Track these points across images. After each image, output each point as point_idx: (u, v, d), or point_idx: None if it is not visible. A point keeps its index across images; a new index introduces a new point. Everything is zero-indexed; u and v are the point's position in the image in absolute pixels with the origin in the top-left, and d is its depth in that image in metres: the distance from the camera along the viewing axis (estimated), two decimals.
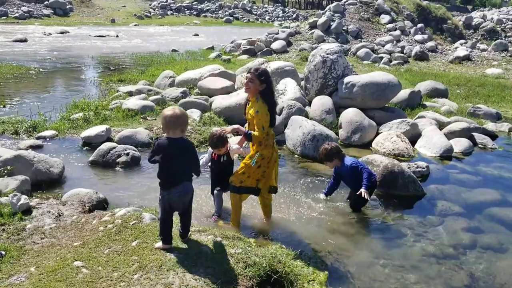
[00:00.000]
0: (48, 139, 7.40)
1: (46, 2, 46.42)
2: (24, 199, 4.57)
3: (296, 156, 7.21)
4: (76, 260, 3.46)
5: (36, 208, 4.62)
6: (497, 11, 29.45)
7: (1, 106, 9.73)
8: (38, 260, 3.60)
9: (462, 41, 23.03)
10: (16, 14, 41.31)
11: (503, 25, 24.66)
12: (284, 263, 3.69)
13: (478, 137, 8.32)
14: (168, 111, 3.52)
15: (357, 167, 5.15)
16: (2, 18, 39.90)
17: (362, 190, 4.97)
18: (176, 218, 3.73)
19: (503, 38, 23.16)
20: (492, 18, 25.63)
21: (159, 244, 3.61)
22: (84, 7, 52.13)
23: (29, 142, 7.01)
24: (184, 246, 3.63)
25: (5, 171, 5.31)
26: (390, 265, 4.18)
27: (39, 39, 26.25)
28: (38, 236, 4.09)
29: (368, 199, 5.09)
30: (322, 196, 5.54)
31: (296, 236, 4.62)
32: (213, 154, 4.84)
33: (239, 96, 8.60)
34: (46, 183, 5.56)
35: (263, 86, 4.20)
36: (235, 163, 5.03)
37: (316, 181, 6.15)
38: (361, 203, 5.22)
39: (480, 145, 8.14)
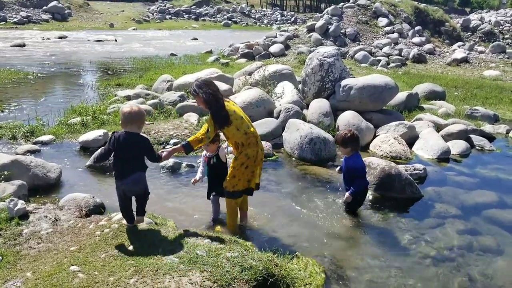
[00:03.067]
0: (45, 144, 7.39)
1: (44, 7, 46.47)
2: (21, 204, 4.56)
3: (294, 159, 7.21)
4: (73, 265, 3.46)
5: (33, 213, 4.61)
6: (494, 13, 29.54)
7: None
8: (34, 265, 3.60)
9: (460, 43, 23.10)
10: (15, 19, 41.34)
11: (500, 27, 24.75)
12: (280, 266, 3.69)
13: (476, 139, 8.32)
14: (126, 107, 3.91)
15: (355, 170, 5.13)
16: (1, 23, 39.93)
17: (347, 194, 5.09)
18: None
19: (501, 40, 23.24)
20: (489, 20, 25.72)
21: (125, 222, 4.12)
22: (82, 12, 52.21)
23: (27, 147, 7.01)
24: (181, 250, 3.63)
25: (2, 176, 5.31)
26: (387, 268, 4.18)
27: (38, 44, 26.28)
28: (35, 241, 4.08)
29: (348, 202, 5.15)
30: (337, 169, 5.63)
31: (293, 239, 4.62)
32: (205, 158, 4.82)
33: (237, 99, 8.61)
34: (43, 187, 5.55)
35: (201, 99, 4.25)
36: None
37: (313, 184, 6.15)
38: (354, 205, 5.22)
39: (477, 147, 8.15)
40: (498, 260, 4.45)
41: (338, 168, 5.61)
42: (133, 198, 4.11)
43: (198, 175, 4.89)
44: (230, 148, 5.06)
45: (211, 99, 4.22)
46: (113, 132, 3.93)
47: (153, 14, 59.21)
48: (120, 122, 4.02)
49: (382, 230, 4.98)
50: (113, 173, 3.98)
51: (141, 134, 3.99)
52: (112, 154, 3.93)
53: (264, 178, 6.20)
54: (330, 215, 5.23)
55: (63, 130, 8.09)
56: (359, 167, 5.15)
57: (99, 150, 3.99)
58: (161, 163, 6.32)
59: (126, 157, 3.86)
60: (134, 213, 4.16)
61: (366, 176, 5.29)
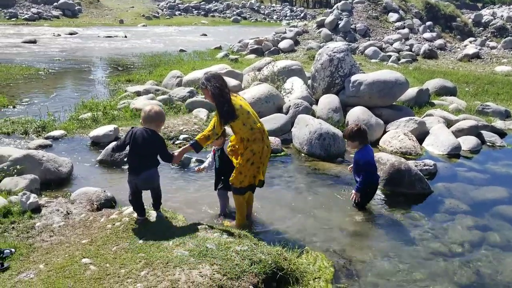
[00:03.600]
0: (57, 139, 7.47)
1: (55, 4, 46.77)
2: (33, 197, 4.63)
3: (303, 154, 7.22)
4: (84, 257, 3.51)
5: (45, 206, 4.68)
6: (507, 8, 29.17)
7: (11, 106, 9.84)
8: (47, 257, 3.65)
9: (472, 38, 22.87)
10: (26, 16, 41.67)
11: None
12: (289, 260, 3.71)
13: (487, 135, 8.26)
14: (148, 106, 4.22)
15: (362, 164, 5.12)
16: (12, 19, 40.27)
17: (353, 191, 5.12)
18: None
19: None
20: (502, 16, 25.41)
21: (136, 215, 4.26)
22: (92, 8, 52.47)
23: (38, 142, 7.09)
24: (191, 243, 3.66)
25: (15, 170, 5.38)
26: (397, 263, 4.18)
27: (49, 40, 26.48)
28: (47, 234, 4.14)
29: (357, 201, 5.14)
30: (349, 168, 5.58)
31: (302, 234, 4.64)
32: (213, 150, 4.89)
33: (246, 95, 8.62)
34: (55, 182, 5.62)
35: (209, 91, 4.30)
36: None
37: (322, 180, 6.15)
38: (363, 201, 5.22)
39: (488, 143, 8.09)
40: (508, 255, 4.42)
41: (350, 166, 5.57)
42: (145, 192, 4.20)
43: (204, 164, 5.02)
44: (209, 160, 5.08)
45: (217, 93, 4.25)
46: (132, 127, 4.12)
47: (162, 10, 59.27)
48: (140, 119, 4.26)
49: (391, 226, 4.97)
50: (127, 167, 4.09)
51: (157, 132, 4.12)
52: (128, 149, 4.10)
53: (273, 173, 6.23)
54: (339, 210, 5.23)
55: (74, 125, 8.17)
56: (366, 160, 5.13)
57: (115, 142, 4.20)
58: None
59: (141, 153, 4.02)
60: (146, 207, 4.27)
61: (376, 171, 5.27)
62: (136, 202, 4.19)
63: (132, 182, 4.12)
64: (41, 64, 16.50)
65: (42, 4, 46.00)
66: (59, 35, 29.46)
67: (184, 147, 4.51)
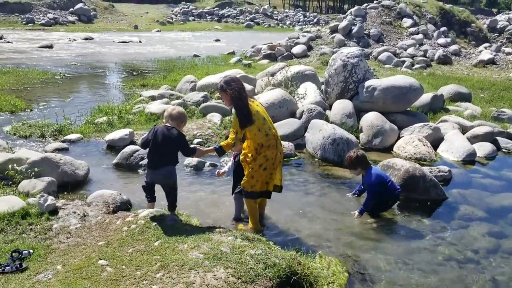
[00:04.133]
0: (73, 142, 7.57)
1: (71, 9, 47.55)
2: (50, 200, 4.70)
3: (316, 159, 7.22)
4: (101, 259, 3.56)
5: (62, 208, 4.75)
6: None
7: (28, 110, 10.01)
8: (64, 259, 3.71)
9: (487, 44, 22.66)
10: (42, 21, 42.42)
11: None
12: (303, 264, 3.71)
13: (502, 141, 8.18)
14: (171, 107, 4.55)
15: (377, 184, 5.13)
16: (29, 25, 40.98)
17: (356, 213, 5.15)
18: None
19: None
20: None
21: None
22: (107, 14, 53.15)
23: (55, 145, 7.20)
24: (206, 246, 3.69)
25: (33, 173, 5.47)
26: (411, 269, 4.16)
27: (64, 45, 26.88)
28: (64, 236, 4.20)
29: (360, 216, 5.15)
30: (349, 194, 5.65)
31: (315, 238, 4.64)
32: (233, 155, 4.93)
33: (260, 100, 8.65)
34: (72, 184, 5.70)
35: (228, 95, 4.32)
36: None
37: (336, 185, 6.15)
38: (377, 210, 5.22)
39: (504, 150, 8.01)
40: None
41: (352, 193, 5.70)
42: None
43: (224, 169, 5.07)
44: (229, 164, 5.10)
45: (236, 96, 4.28)
46: (155, 125, 4.41)
47: (176, 16, 59.85)
48: (163, 119, 4.50)
49: (406, 231, 4.95)
50: (142, 169, 4.29)
51: (178, 130, 4.33)
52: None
53: (287, 178, 6.24)
54: (353, 215, 5.22)
55: (90, 129, 8.28)
56: (379, 181, 5.15)
57: (142, 138, 4.51)
58: (185, 162, 6.47)
59: (161, 149, 4.24)
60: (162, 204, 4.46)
61: (386, 187, 5.22)
62: (148, 189, 4.53)
63: (149, 176, 4.44)
64: (57, 69, 16.75)
65: (58, 10, 46.81)
66: (74, 40, 29.91)
67: (208, 148, 4.68)
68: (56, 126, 8.21)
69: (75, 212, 4.66)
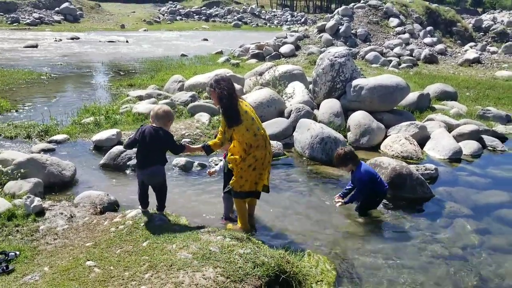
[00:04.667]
0: (60, 143, 7.50)
1: (57, 9, 47.03)
2: (37, 201, 4.66)
3: (304, 158, 7.25)
4: (88, 260, 3.54)
5: (49, 209, 4.71)
6: (507, 13, 29.32)
7: (14, 110, 9.89)
8: (51, 260, 3.68)
9: (472, 43, 22.95)
10: (28, 21, 41.89)
11: None
12: (292, 263, 3.73)
13: (488, 139, 8.29)
14: (157, 106, 4.52)
15: (368, 181, 5.13)
16: (14, 24, 40.46)
17: (340, 200, 5.19)
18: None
19: None
20: (502, 21, 25.53)
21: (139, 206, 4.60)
22: (94, 13, 52.70)
23: (42, 146, 7.12)
24: (194, 246, 3.69)
25: (19, 174, 5.41)
26: (399, 266, 4.20)
27: (50, 45, 26.59)
28: (51, 237, 4.17)
29: (342, 204, 5.17)
30: (337, 199, 5.37)
31: (304, 237, 4.66)
32: (224, 154, 4.93)
33: (248, 99, 8.65)
34: (59, 185, 5.65)
35: (216, 94, 4.33)
36: None
37: (324, 184, 6.18)
38: (365, 208, 5.25)
39: (489, 148, 8.11)
40: (510, 259, 4.44)
41: (337, 196, 5.44)
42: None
43: (216, 168, 5.09)
44: (221, 164, 5.10)
45: (225, 95, 4.27)
46: (142, 125, 4.40)
47: (163, 15, 59.56)
48: (150, 118, 4.51)
49: (393, 229, 4.99)
50: (129, 170, 4.28)
51: (165, 129, 4.35)
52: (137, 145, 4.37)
53: (276, 177, 6.26)
54: (341, 214, 5.26)
55: (76, 129, 8.21)
56: (369, 177, 5.16)
57: (128, 139, 4.50)
58: (174, 162, 6.45)
59: (149, 149, 4.27)
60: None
61: (376, 182, 5.24)
62: (142, 196, 4.52)
63: (139, 176, 4.46)
64: (43, 69, 16.57)
65: (43, 9, 46.28)
66: (60, 40, 29.61)
67: (197, 146, 4.67)
68: (42, 127, 8.12)
69: (62, 213, 4.63)
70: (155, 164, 4.36)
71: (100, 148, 7.23)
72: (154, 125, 4.35)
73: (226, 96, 4.27)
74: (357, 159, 5.27)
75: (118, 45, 28.10)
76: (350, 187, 5.43)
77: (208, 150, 4.52)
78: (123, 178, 6.20)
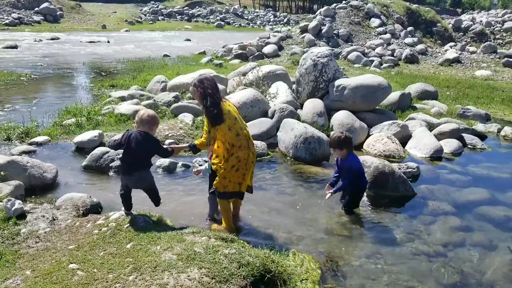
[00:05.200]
0: (41, 144, 7.39)
1: (36, 9, 46.31)
2: (18, 204, 4.58)
3: (289, 158, 7.27)
4: (71, 263, 3.50)
5: (31, 212, 4.64)
6: (486, 14, 29.85)
7: None
8: (33, 264, 3.63)
9: (452, 43, 23.31)
10: (6, 21, 41.13)
11: (491, 27, 25.01)
12: (277, 262, 3.74)
13: (468, 137, 8.43)
14: (142, 111, 4.45)
15: (356, 170, 5.16)
16: None
17: (330, 191, 5.15)
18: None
19: (492, 41, 23.48)
20: (481, 21, 25.99)
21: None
22: (74, 13, 52.05)
23: (22, 148, 7.01)
24: (179, 247, 3.67)
25: None
26: (382, 264, 4.24)
27: (30, 45, 26.17)
28: (33, 240, 4.11)
29: (332, 195, 5.16)
30: (328, 190, 5.33)
31: (289, 236, 4.68)
32: (210, 154, 4.92)
33: (231, 100, 8.62)
34: (40, 188, 5.56)
35: (198, 93, 4.36)
36: None
37: (308, 183, 6.21)
38: (352, 205, 5.29)
39: (469, 146, 8.25)
40: (490, 255, 4.53)
41: (327, 186, 5.43)
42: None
43: (201, 167, 5.06)
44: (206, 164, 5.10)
45: (208, 93, 4.28)
46: (128, 130, 4.34)
47: (145, 15, 59.14)
48: (134, 123, 4.49)
49: (376, 228, 5.04)
50: (113, 172, 4.25)
51: (150, 134, 4.33)
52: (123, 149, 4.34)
53: (260, 177, 6.27)
54: (325, 213, 5.29)
55: (58, 131, 8.10)
56: (358, 167, 5.20)
57: (113, 140, 4.46)
58: (158, 163, 6.42)
59: (135, 155, 4.23)
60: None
61: (361, 175, 5.30)
62: (125, 198, 4.47)
63: (123, 180, 4.42)
64: (23, 70, 16.30)
65: (23, 10, 45.50)
66: (40, 40, 29.16)
67: (183, 145, 4.69)
68: (22, 129, 7.98)
69: (44, 216, 4.56)
70: (140, 169, 4.34)
71: (82, 149, 7.14)
72: (139, 129, 4.32)
73: (209, 94, 4.28)
74: (352, 147, 5.30)
75: (99, 46, 27.80)
76: (336, 175, 5.45)
77: (194, 149, 4.53)
78: (105, 179, 6.14)
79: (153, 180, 4.53)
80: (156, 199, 4.62)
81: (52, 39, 30.65)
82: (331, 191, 5.23)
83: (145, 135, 4.28)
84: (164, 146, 4.58)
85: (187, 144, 4.62)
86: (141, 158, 4.30)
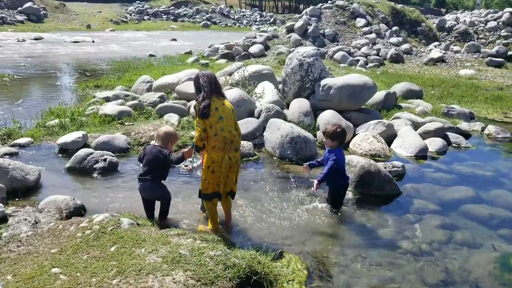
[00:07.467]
0: (23, 146, 7.26)
1: (19, 8, 45.58)
2: None
3: (275, 158, 7.26)
4: (54, 267, 3.43)
5: (12, 216, 4.55)
6: (469, 13, 30.17)
7: None
8: (15, 268, 3.55)
9: (436, 43, 23.53)
10: None
11: (475, 27, 25.29)
12: (263, 264, 3.72)
13: (452, 136, 8.51)
14: (161, 127, 4.91)
15: (341, 163, 5.17)
16: None
17: (315, 182, 4.99)
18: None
19: (476, 40, 23.74)
20: (464, 21, 26.26)
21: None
22: (58, 13, 51.40)
23: (4, 150, 6.87)
24: (164, 250, 3.63)
25: None
26: (368, 263, 4.25)
27: (13, 45, 25.77)
28: (15, 244, 4.02)
29: (318, 189, 5.05)
30: (305, 169, 5.37)
31: (276, 237, 4.66)
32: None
33: None
34: (22, 190, 5.46)
35: (195, 82, 4.58)
36: None
37: (295, 183, 6.20)
38: (335, 204, 5.30)
39: (454, 144, 8.33)
40: (475, 253, 4.57)
41: (306, 164, 5.42)
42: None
43: (193, 164, 5.04)
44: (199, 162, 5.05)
45: (199, 87, 4.45)
46: (148, 144, 4.77)
47: (131, 15, 58.64)
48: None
49: (363, 227, 5.05)
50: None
51: (162, 149, 4.59)
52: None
53: (246, 177, 6.25)
54: (312, 213, 5.28)
55: (41, 132, 7.97)
56: (342, 162, 5.23)
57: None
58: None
59: (148, 166, 4.55)
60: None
61: (341, 168, 5.29)
62: (145, 206, 4.77)
63: (139, 189, 4.66)
64: (6, 70, 16.03)
65: (5, 9, 44.76)
66: (24, 40, 28.72)
67: (189, 148, 4.59)
68: (4, 130, 7.83)
69: (26, 219, 4.48)
70: (153, 180, 4.55)
71: (66, 151, 7.04)
72: (155, 144, 4.72)
73: (200, 88, 4.43)
74: (343, 142, 5.38)
75: (84, 46, 27.50)
76: (319, 160, 5.46)
77: (197, 148, 4.46)
78: (89, 181, 6.06)
79: (165, 194, 4.67)
80: (163, 213, 4.76)
81: (36, 39, 30.22)
82: (309, 171, 5.35)
83: (157, 149, 4.58)
84: (174, 154, 4.65)
85: (190, 147, 4.56)
86: (153, 170, 4.53)
